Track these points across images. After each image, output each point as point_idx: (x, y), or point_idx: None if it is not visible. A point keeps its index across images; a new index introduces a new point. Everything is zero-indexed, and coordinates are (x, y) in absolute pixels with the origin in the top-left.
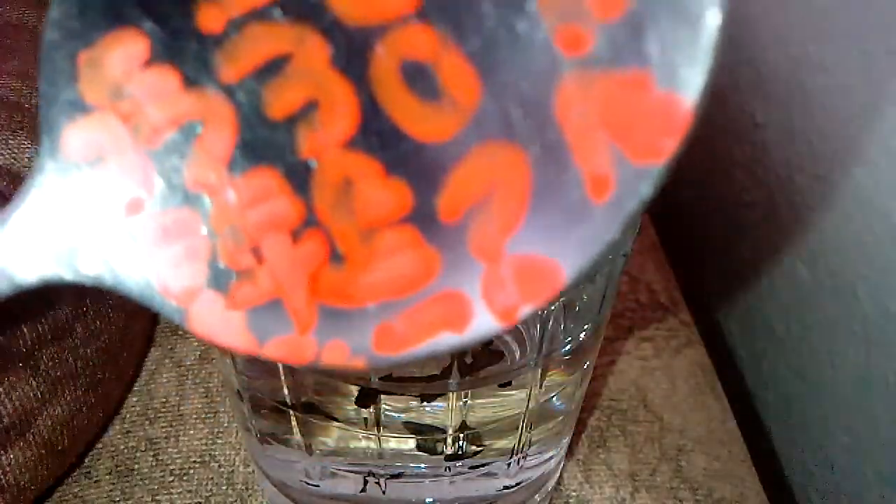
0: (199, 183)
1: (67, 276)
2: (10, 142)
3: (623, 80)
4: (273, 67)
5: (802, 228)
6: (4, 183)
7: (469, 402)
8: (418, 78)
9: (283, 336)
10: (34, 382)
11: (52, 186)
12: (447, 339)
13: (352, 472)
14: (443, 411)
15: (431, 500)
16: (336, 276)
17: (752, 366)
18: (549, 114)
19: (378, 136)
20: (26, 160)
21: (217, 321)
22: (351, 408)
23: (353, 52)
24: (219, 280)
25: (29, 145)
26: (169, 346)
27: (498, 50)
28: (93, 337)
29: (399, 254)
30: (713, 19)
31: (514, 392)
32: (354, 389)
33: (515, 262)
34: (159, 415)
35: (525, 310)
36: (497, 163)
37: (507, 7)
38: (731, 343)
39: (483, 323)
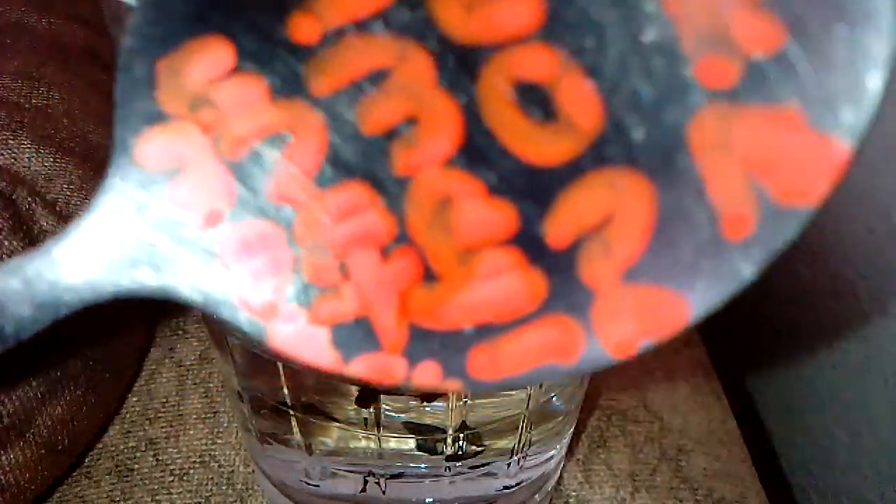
0: (283, 196)
1: (140, 289)
2: (9, 142)
3: (771, 117)
4: (370, 82)
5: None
6: (4, 183)
7: (469, 402)
8: (532, 98)
9: (371, 354)
10: (34, 382)
11: (125, 195)
12: (553, 368)
13: (352, 472)
14: (443, 411)
15: (431, 500)
16: (429, 296)
17: (752, 366)
18: (681, 144)
19: (482, 156)
20: (26, 160)
21: (299, 337)
22: (351, 408)
23: (460, 70)
24: (302, 295)
25: (29, 145)
26: (169, 347)
27: (626, 75)
28: (93, 337)
29: (500, 276)
30: (882, 73)
31: (514, 392)
32: (354, 390)
33: (634, 293)
34: (159, 415)
35: (644, 344)
36: (616, 189)
37: (640, 31)
38: (731, 343)
39: (594, 354)
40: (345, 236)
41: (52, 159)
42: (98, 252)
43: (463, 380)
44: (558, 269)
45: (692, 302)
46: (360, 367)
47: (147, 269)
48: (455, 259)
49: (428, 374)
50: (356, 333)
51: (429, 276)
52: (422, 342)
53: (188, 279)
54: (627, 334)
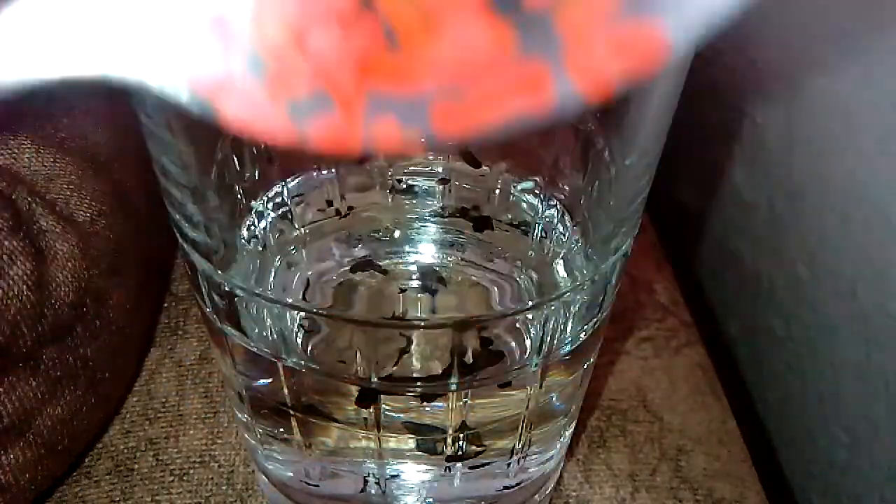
0: None
1: (73, 69)
2: (10, 142)
3: None
4: None
5: (802, 228)
6: (4, 183)
7: (469, 402)
8: None
9: (327, 120)
10: (34, 382)
11: None
12: (524, 114)
13: (352, 472)
14: (443, 411)
15: (431, 500)
16: (390, 62)
17: (752, 366)
18: None
19: None
20: (26, 160)
21: (252, 110)
22: (351, 408)
23: None
24: (254, 69)
25: (29, 145)
26: (169, 346)
27: None
28: (93, 337)
29: (466, 31)
30: None
31: (514, 392)
32: (354, 390)
33: (610, 27)
34: (159, 415)
35: (621, 78)
36: None
37: None
38: (731, 343)
39: (565, 95)
40: (300, 5)
41: (52, 159)
42: (14, 28)
43: (425, 133)
44: (528, 16)
45: (672, 27)
46: (316, 134)
47: (73, 45)
48: (419, 20)
49: (386, 129)
50: (312, 104)
51: (390, 40)
52: (381, 103)
53: (122, 54)
54: (603, 70)
